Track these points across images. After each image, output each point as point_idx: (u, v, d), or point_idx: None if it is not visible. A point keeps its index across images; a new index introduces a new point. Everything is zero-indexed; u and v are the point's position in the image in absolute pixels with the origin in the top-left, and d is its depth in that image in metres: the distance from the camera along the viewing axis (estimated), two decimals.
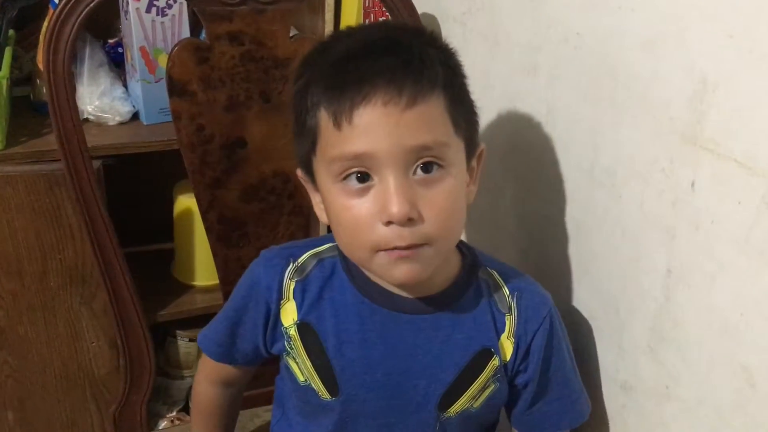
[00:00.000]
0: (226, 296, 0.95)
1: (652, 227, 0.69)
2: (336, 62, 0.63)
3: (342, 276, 0.72)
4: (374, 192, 0.62)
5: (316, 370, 0.72)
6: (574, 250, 0.82)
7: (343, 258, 0.72)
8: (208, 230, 0.97)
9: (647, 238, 0.70)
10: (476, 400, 0.72)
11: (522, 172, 0.91)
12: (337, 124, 0.61)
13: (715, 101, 0.60)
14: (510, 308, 0.72)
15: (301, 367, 0.73)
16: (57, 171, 1.14)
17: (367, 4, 1.32)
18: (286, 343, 0.74)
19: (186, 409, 1.50)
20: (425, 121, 0.61)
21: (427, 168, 0.62)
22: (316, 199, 0.70)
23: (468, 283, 0.72)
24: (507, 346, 0.72)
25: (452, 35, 1.02)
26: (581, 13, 0.75)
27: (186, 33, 1.27)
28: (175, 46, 0.87)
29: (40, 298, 1.25)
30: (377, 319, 0.71)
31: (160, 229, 1.44)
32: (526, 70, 0.86)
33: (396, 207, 0.60)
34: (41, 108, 1.23)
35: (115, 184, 1.18)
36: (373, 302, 0.70)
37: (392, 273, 0.64)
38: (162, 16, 1.24)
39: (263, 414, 1.03)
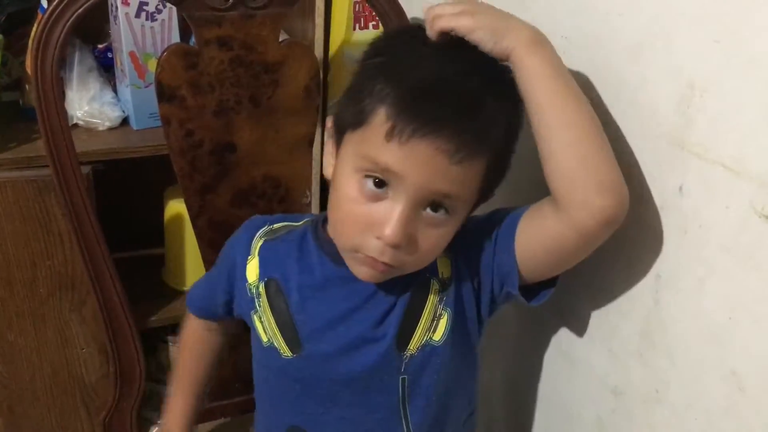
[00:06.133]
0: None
1: (640, 232, 0.69)
2: (422, 84, 0.63)
3: (310, 241, 0.76)
4: (383, 205, 0.65)
5: (279, 327, 0.75)
6: None
7: (315, 227, 0.76)
8: (199, 236, 0.97)
9: (636, 242, 0.70)
10: (433, 332, 0.73)
11: (511, 175, 0.90)
12: (389, 136, 0.62)
13: (702, 106, 0.60)
14: None
15: (265, 325, 0.76)
16: (46, 177, 1.13)
17: (357, 9, 1.32)
18: (255, 301, 0.77)
19: None
20: (462, 176, 0.64)
21: (435, 209, 0.65)
22: (328, 153, 0.72)
23: None
24: (443, 263, 0.73)
25: None
26: (569, 17, 0.75)
27: (175, 38, 1.27)
28: (165, 51, 0.87)
29: (30, 304, 1.24)
30: (340, 276, 0.73)
31: (150, 234, 1.43)
32: None
33: (390, 230, 0.64)
34: (30, 113, 1.22)
35: (104, 190, 1.18)
36: (337, 263, 0.73)
37: (356, 270, 0.69)
38: (151, 21, 1.24)
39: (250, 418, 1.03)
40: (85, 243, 0.92)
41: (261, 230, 0.80)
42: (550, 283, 0.72)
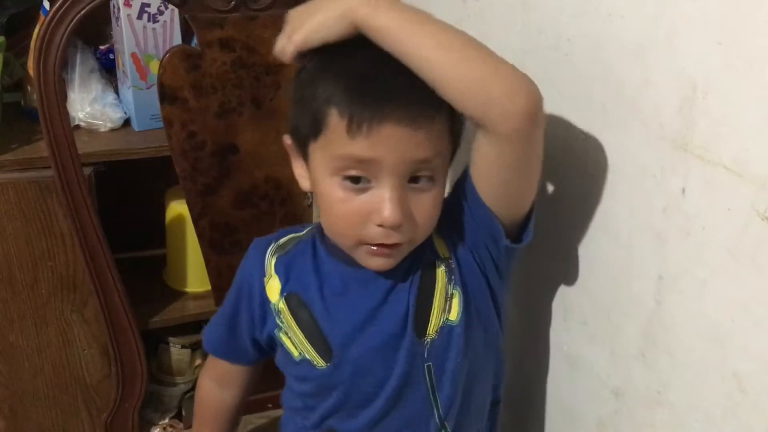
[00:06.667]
0: (218, 302, 0.95)
1: (643, 233, 0.69)
2: (358, 72, 0.65)
3: (320, 249, 0.77)
4: (371, 193, 0.66)
5: (307, 338, 0.75)
6: (566, 256, 0.82)
7: (321, 234, 0.76)
8: (200, 237, 0.97)
9: (638, 244, 0.70)
10: (449, 312, 0.73)
11: None
12: (351, 132, 0.63)
13: (704, 107, 0.60)
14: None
15: (293, 340, 0.76)
16: (48, 178, 1.14)
17: None
18: (276, 318, 0.77)
19: (179, 416, 1.49)
20: (430, 137, 0.65)
21: (419, 179, 0.67)
22: (298, 167, 0.74)
23: None
24: (440, 244, 0.74)
25: None
26: (571, 19, 0.75)
27: (177, 39, 1.27)
28: (167, 52, 0.87)
29: (31, 305, 1.25)
30: (357, 279, 0.73)
31: (151, 235, 1.44)
32: None
33: (389, 213, 0.65)
34: (32, 114, 1.23)
35: (106, 191, 1.18)
36: (351, 266, 0.73)
37: (369, 263, 0.70)
38: (153, 23, 1.24)
39: (256, 420, 1.03)
40: (87, 244, 0.92)
41: (269, 249, 0.79)
42: (530, 219, 0.73)
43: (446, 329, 0.73)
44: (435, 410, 0.75)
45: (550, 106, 0.81)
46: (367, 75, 0.65)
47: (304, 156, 0.71)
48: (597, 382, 0.79)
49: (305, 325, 0.75)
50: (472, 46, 0.64)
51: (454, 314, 0.73)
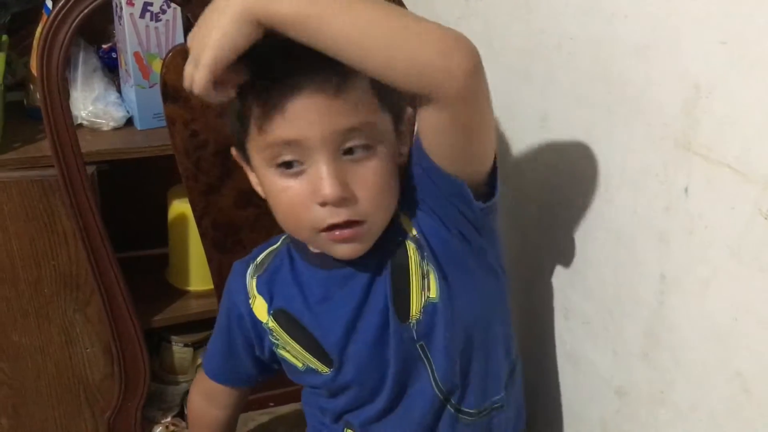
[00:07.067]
0: (220, 301, 0.95)
1: (645, 233, 0.69)
2: (262, 53, 0.62)
3: (296, 257, 0.76)
4: (307, 175, 0.65)
5: (305, 348, 0.75)
6: (568, 255, 0.82)
7: (293, 241, 0.76)
8: (203, 236, 0.97)
9: (641, 243, 0.70)
10: (428, 290, 0.71)
11: (516, 177, 0.91)
12: (268, 116, 0.63)
13: (708, 107, 0.60)
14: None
15: (293, 353, 0.76)
16: (51, 177, 1.14)
17: None
18: (270, 336, 0.77)
19: (181, 415, 1.49)
20: (353, 104, 0.64)
21: (354, 150, 0.65)
22: (252, 179, 0.73)
23: None
24: (407, 223, 0.72)
25: None
26: (575, 18, 0.75)
27: (180, 38, 1.27)
28: (170, 51, 0.87)
29: (34, 304, 1.25)
30: (336, 281, 0.73)
31: (154, 234, 1.44)
32: (521, 76, 0.86)
33: (328, 189, 0.63)
34: (35, 113, 1.23)
35: (109, 190, 1.18)
36: (328, 268, 0.73)
37: (335, 251, 0.69)
38: (156, 22, 1.24)
39: (258, 417, 1.03)
40: (90, 243, 0.92)
41: (248, 271, 0.79)
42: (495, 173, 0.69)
43: (429, 308, 0.71)
44: (435, 388, 0.74)
45: (553, 105, 0.81)
46: (274, 56, 0.63)
47: (249, 163, 0.70)
48: (600, 381, 0.79)
49: (300, 336, 0.75)
50: (392, 13, 0.59)
51: (434, 292, 0.71)
